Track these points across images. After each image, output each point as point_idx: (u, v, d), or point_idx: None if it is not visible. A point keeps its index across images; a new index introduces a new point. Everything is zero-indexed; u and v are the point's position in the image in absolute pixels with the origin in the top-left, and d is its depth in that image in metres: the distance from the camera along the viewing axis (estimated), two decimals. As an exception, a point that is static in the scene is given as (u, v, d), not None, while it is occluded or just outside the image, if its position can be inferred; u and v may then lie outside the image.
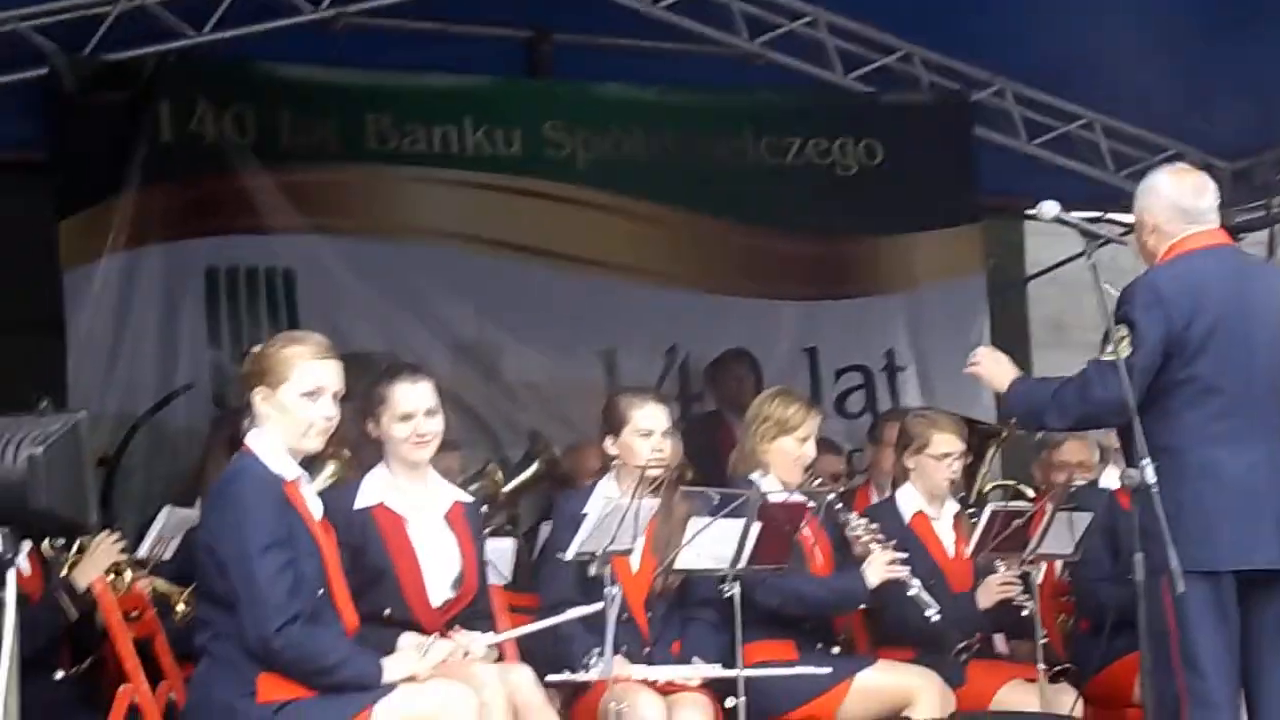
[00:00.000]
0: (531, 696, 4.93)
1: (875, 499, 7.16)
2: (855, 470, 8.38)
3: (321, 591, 4.63)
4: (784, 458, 5.94)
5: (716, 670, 5.42)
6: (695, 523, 5.34)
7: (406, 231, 8.40)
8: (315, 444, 4.73)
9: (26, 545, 3.99)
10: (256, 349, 4.84)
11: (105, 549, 5.37)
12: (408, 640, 4.94)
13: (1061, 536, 5.89)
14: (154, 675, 5.13)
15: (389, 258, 8.31)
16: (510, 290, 8.42)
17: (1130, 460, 4.83)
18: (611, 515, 5.13)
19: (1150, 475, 4.63)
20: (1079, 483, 6.69)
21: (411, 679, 4.62)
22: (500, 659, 5.16)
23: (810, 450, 5.99)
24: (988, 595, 6.06)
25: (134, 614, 5.29)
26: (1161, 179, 5.07)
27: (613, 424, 5.72)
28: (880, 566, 5.86)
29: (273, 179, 8.10)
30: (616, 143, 8.74)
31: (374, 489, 5.21)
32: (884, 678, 5.74)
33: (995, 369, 5.23)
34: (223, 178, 8.03)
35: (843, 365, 9.04)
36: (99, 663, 5.52)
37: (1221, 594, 4.77)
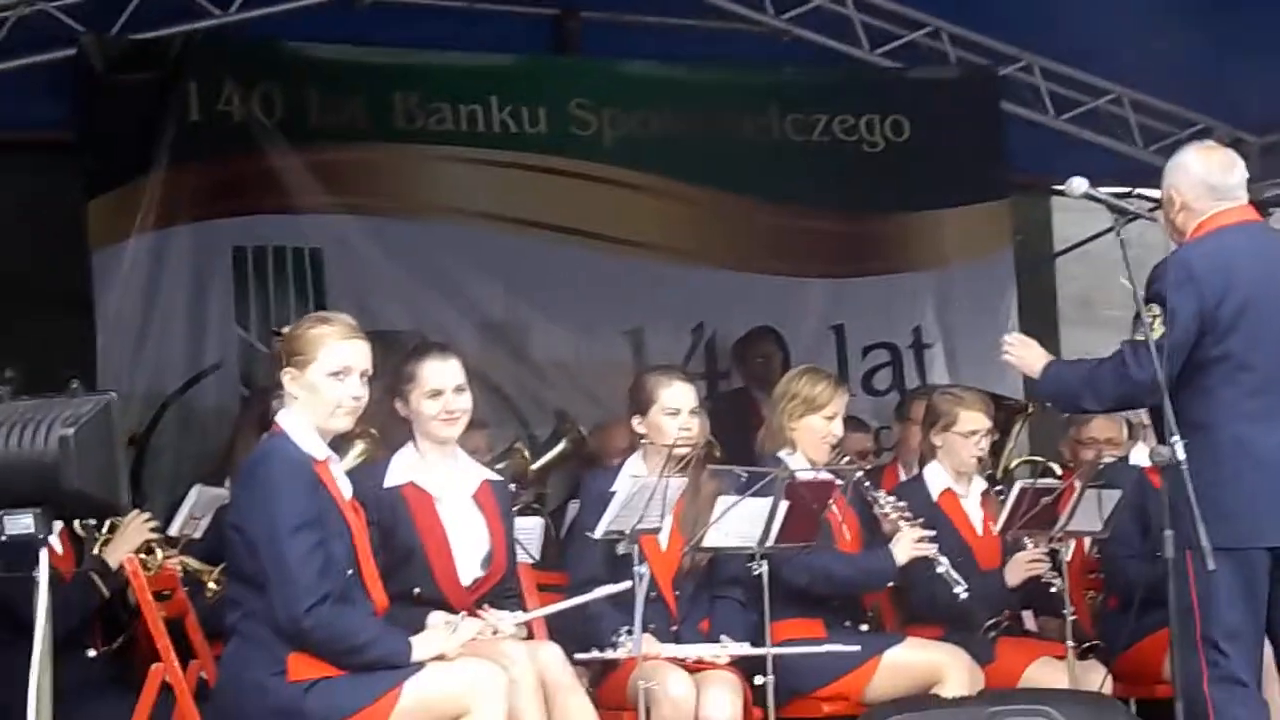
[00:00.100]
0: (560, 675, 4.95)
1: (903, 477, 7.15)
2: (883, 448, 8.38)
3: (351, 571, 4.64)
4: (811, 435, 5.94)
5: (745, 648, 5.43)
6: (723, 501, 5.35)
7: (434, 210, 8.42)
8: (344, 423, 4.74)
9: (58, 525, 4.01)
10: (285, 330, 4.85)
11: (136, 528, 5.41)
12: (436, 619, 4.96)
13: (1090, 513, 5.89)
14: (185, 654, 5.15)
15: (416, 237, 8.33)
16: (537, 269, 8.43)
17: (1161, 437, 4.84)
18: (639, 494, 5.14)
19: (1180, 452, 4.62)
20: (1108, 459, 6.68)
21: (441, 657, 4.64)
22: (529, 637, 5.18)
23: (838, 428, 5.98)
24: (1016, 572, 6.06)
25: (165, 593, 5.32)
26: (1190, 156, 5.05)
27: (640, 403, 5.72)
28: (908, 544, 5.86)
29: (300, 158, 8.12)
30: (643, 121, 8.74)
31: (403, 468, 5.22)
32: (913, 655, 5.74)
33: (1027, 355, 5.23)
34: (250, 157, 8.05)
35: (870, 342, 9.03)
36: (131, 641, 5.55)
37: (1250, 571, 4.76)
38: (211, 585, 5.50)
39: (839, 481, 5.83)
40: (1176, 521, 4.66)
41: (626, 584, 5.10)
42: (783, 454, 5.92)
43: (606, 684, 5.48)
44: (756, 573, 5.34)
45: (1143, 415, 5.49)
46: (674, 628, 5.58)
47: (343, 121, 8.26)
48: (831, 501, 5.79)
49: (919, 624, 6.04)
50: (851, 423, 6.52)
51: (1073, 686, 5.69)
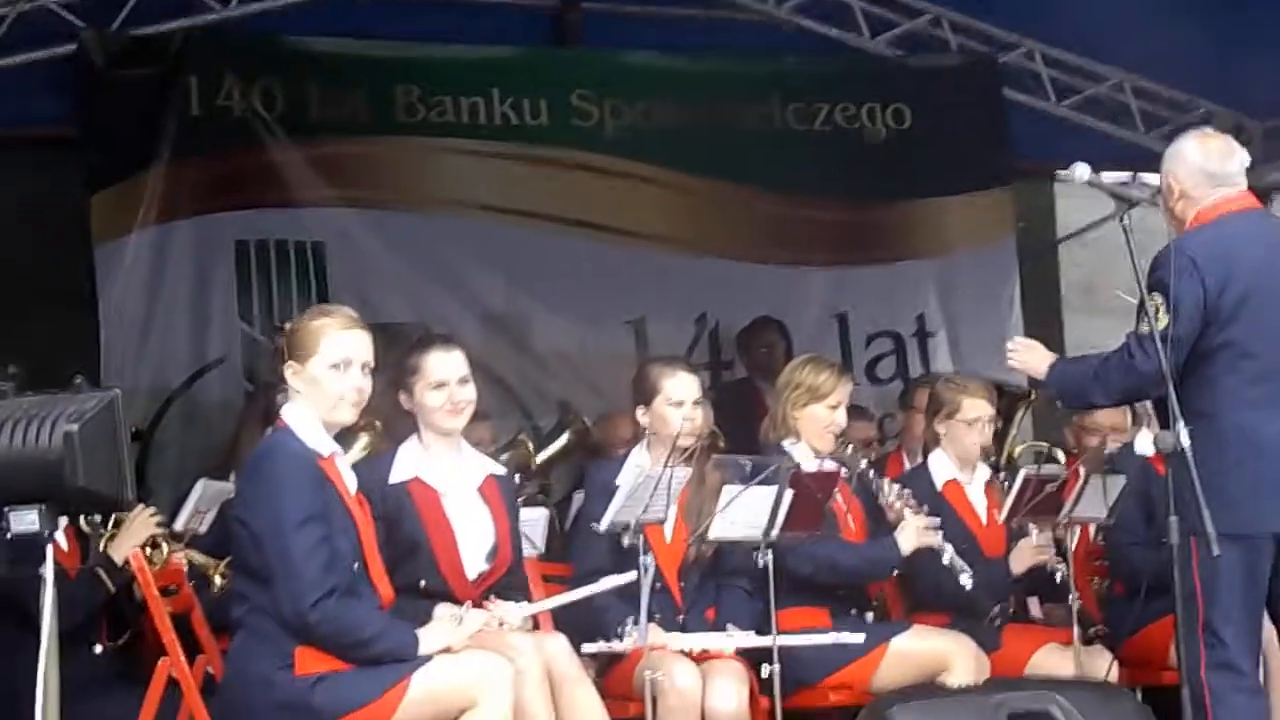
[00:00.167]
0: (567, 666, 4.95)
1: (907, 465, 7.16)
2: (886, 436, 8.38)
3: (357, 565, 4.65)
4: (815, 425, 5.94)
5: (751, 638, 5.43)
6: (728, 491, 5.35)
7: (435, 203, 8.42)
8: (347, 415, 4.74)
9: (64, 522, 4.01)
10: (288, 325, 4.85)
11: (141, 523, 5.40)
12: (442, 611, 4.96)
13: (1095, 500, 5.89)
14: (191, 648, 5.16)
15: (418, 229, 8.33)
16: (539, 260, 8.43)
17: (1164, 426, 4.84)
18: (644, 485, 5.14)
19: (1185, 439, 4.62)
20: (1112, 446, 6.67)
21: (447, 650, 4.64)
22: (535, 629, 5.18)
23: (841, 417, 5.99)
24: (1021, 560, 6.06)
25: (171, 588, 5.32)
26: (1188, 144, 5.04)
27: (644, 394, 5.73)
28: (913, 533, 5.86)
29: (301, 152, 8.12)
30: (645, 111, 8.74)
31: (408, 462, 5.22)
32: (919, 643, 5.75)
33: (1031, 357, 5.26)
34: (251, 151, 8.06)
35: (873, 331, 9.04)
36: (137, 637, 5.55)
37: (1253, 557, 4.76)
38: (217, 579, 5.51)
39: (843, 471, 5.83)
40: (1181, 508, 4.66)
41: (632, 575, 5.10)
42: (787, 444, 5.92)
43: (613, 675, 5.49)
44: (762, 563, 5.34)
45: (1148, 402, 5.49)
46: (680, 618, 5.58)
47: (344, 115, 8.26)
48: (836, 491, 5.79)
49: (924, 612, 6.04)
50: (855, 412, 6.52)
51: (1078, 673, 5.70)
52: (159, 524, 5.47)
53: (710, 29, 8.75)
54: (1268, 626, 5.02)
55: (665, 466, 5.20)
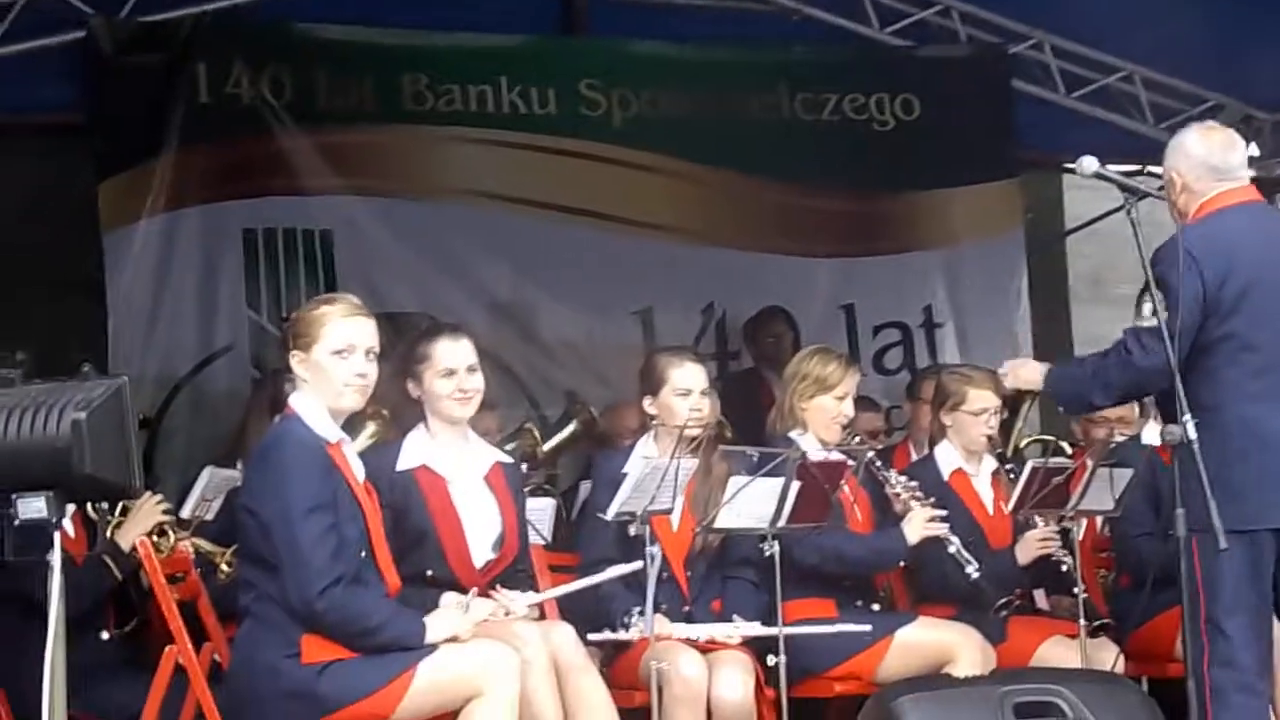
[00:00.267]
0: (573, 655, 4.96)
1: (914, 456, 7.15)
2: (894, 427, 8.38)
3: (364, 553, 4.65)
4: (822, 416, 5.94)
5: (757, 628, 5.44)
6: (734, 482, 5.35)
7: (443, 192, 8.42)
8: (353, 402, 4.75)
9: (71, 509, 4.02)
10: (293, 315, 4.86)
11: (148, 510, 5.42)
12: (449, 600, 4.97)
13: (1102, 492, 5.88)
14: (198, 636, 5.17)
15: (425, 218, 8.33)
16: (546, 250, 8.42)
17: (1167, 419, 4.84)
18: (651, 475, 5.14)
19: (1191, 431, 4.61)
20: (1119, 438, 6.67)
21: (454, 639, 4.64)
22: (541, 618, 5.19)
23: (849, 408, 5.99)
24: (1026, 551, 6.06)
25: (178, 575, 5.33)
26: (1190, 137, 5.03)
27: (651, 384, 5.73)
28: (920, 524, 5.86)
29: (309, 140, 8.12)
30: (652, 101, 8.72)
31: (415, 451, 5.22)
32: (925, 634, 5.75)
33: (1025, 371, 5.28)
34: (259, 139, 8.05)
35: (880, 322, 9.03)
36: (144, 623, 5.56)
37: (1256, 552, 4.74)
38: (224, 567, 5.51)
39: (850, 461, 5.82)
40: (1188, 500, 4.66)
41: (638, 564, 5.11)
42: (794, 434, 5.92)
43: (619, 664, 5.49)
44: (768, 553, 5.35)
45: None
46: (686, 608, 5.59)
47: (351, 103, 8.26)
48: (843, 481, 5.79)
49: (930, 603, 6.04)
50: (862, 402, 6.52)
51: (1085, 665, 5.69)
52: (165, 511, 5.48)
53: (718, 18, 8.74)
54: (1276, 626, 5.01)
55: (672, 456, 5.20)
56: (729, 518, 5.37)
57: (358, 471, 4.75)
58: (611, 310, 8.56)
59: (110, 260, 7.74)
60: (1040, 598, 6.38)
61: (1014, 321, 9.05)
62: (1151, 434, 6.12)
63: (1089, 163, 4.87)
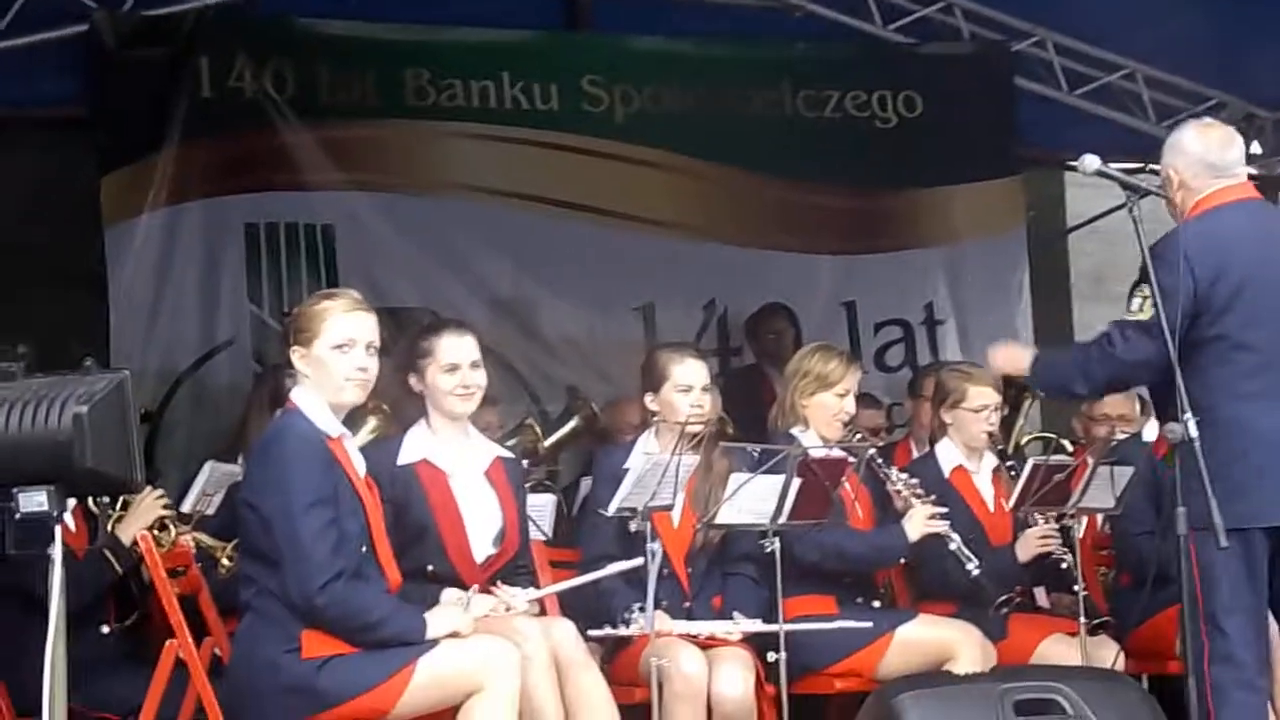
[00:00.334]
0: (573, 651, 4.96)
1: (915, 453, 7.16)
2: (895, 424, 8.38)
3: (365, 548, 4.65)
4: (824, 412, 5.94)
5: (757, 625, 5.44)
6: (735, 478, 5.35)
7: (445, 187, 8.42)
8: (353, 396, 4.75)
9: (72, 503, 4.02)
10: (295, 310, 4.87)
11: (149, 504, 5.42)
12: (450, 596, 4.97)
13: (1103, 490, 5.88)
14: (198, 630, 5.17)
15: (427, 213, 8.33)
16: (548, 245, 8.42)
17: (1163, 417, 4.84)
18: (652, 471, 5.15)
19: (1193, 429, 4.61)
20: (1120, 436, 6.67)
21: (454, 634, 4.64)
22: (541, 614, 5.19)
23: (850, 405, 5.99)
24: (1026, 549, 6.07)
25: (179, 570, 5.33)
26: (1187, 134, 5.02)
27: (652, 380, 5.73)
28: (920, 521, 5.87)
29: (311, 135, 8.11)
30: (654, 97, 8.72)
31: (416, 445, 5.23)
32: (925, 632, 5.75)
33: (1012, 359, 5.26)
34: (262, 134, 8.05)
35: (882, 319, 9.03)
36: (144, 617, 5.57)
37: (1249, 551, 4.73)
38: (225, 562, 5.52)
39: (851, 459, 5.82)
40: (1187, 498, 4.65)
41: (639, 561, 5.11)
42: (795, 431, 5.92)
43: (619, 660, 5.49)
44: (769, 550, 5.35)
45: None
46: (686, 604, 5.59)
47: (354, 98, 8.26)
48: (844, 479, 5.79)
49: (931, 601, 6.04)
50: (864, 399, 6.52)
51: (1085, 663, 5.70)
52: (166, 506, 5.48)
53: (721, 14, 8.74)
54: (1274, 624, 5.01)
55: (673, 453, 5.20)
56: (730, 514, 5.37)
57: (359, 466, 4.75)
58: (613, 306, 8.56)
59: (112, 254, 7.74)
60: (1041, 595, 6.39)
61: (1015, 319, 9.05)
62: (1152, 432, 6.13)
63: (1091, 161, 4.87)
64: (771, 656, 5.33)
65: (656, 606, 5.16)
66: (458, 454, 5.25)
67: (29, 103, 7.80)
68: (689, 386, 5.67)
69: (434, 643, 4.60)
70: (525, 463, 6.20)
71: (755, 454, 5.49)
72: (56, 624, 3.92)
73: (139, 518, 5.36)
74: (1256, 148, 9.45)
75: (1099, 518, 6.44)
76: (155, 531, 5.35)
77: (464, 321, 5.57)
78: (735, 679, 5.35)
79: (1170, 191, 5.00)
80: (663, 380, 5.70)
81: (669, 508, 5.28)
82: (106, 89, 7.82)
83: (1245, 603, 4.77)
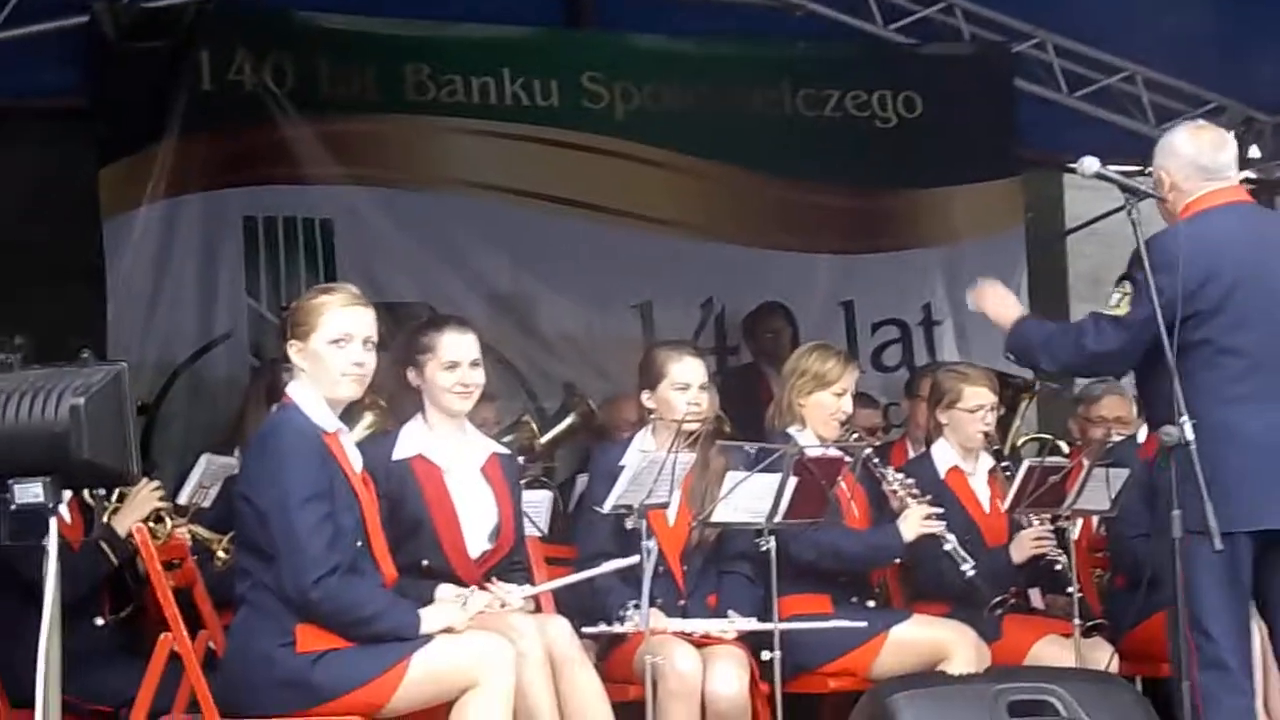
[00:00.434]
0: (568, 648, 4.96)
1: (912, 453, 7.16)
2: (892, 424, 8.38)
3: (360, 543, 4.65)
4: (821, 412, 5.95)
5: (752, 623, 5.44)
6: (732, 476, 5.35)
7: (444, 182, 8.41)
8: (351, 391, 4.75)
9: (68, 494, 4.02)
10: (292, 304, 4.87)
11: (145, 496, 5.41)
12: (445, 592, 4.97)
13: (1099, 492, 5.88)
14: (193, 623, 5.16)
15: (426, 208, 8.33)
16: (547, 242, 8.43)
17: (1150, 419, 4.84)
18: (648, 469, 5.14)
19: (1189, 432, 4.60)
20: (1116, 438, 6.67)
21: (449, 630, 4.65)
22: (536, 611, 5.19)
23: (847, 404, 5.99)
24: (1021, 550, 6.06)
25: (175, 562, 5.33)
26: (1179, 137, 5.02)
27: (650, 377, 5.73)
28: (916, 521, 5.87)
29: (311, 129, 8.11)
30: (655, 95, 8.72)
31: (411, 440, 5.22)
32: (919, 632, 5.75)
33: (1000, 306, 5.24)
34: (261, 127, 8.05)
35: (879, 319, 9.03)
36: (139, 610, 5.56)
37: (1234, 555, 4.71)
38: (221, 554, 5.51)
39: (848, 458, 5.83)
40: (1184, 501, 4.65)
41: (634, 558, 5.10)
42: (792, 430, 5.92)
43: (613, 658, 5.49)
44: (764, 548, 5.34)
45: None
46: (681, 602, 5.59)
47: (353, 92, 8.26)
48: (840, 478, 5.79)
49: (926, 601, 6.05)
50: (861, 399, 6.52)
51: (1079, 665, 5.70)
52: (162, 498, 5.48)
53: (722, 13, 8.74)
54: (1261, 628, 5.01)
55: (670, 451, 5.20)
56: (726, 512, 5.37)
57: (354, 461, 4.75)
58: (611, 303, 8.56)
59: (110, 246, 7.73)
60: (1035, 597, 6.38)
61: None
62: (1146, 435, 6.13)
63: (1090, 163, 4.87)
64: (766, 655, 5.32)
65: (651, 604, 5.15)
66: (454, 450, 5.25)
67: (29, 93, 7.80)
68: (686, 384, 5.67)
69: (429, 638, 4.60)
70: (522, 459, 6.20)
71: (752, 452, 5.49)
72: (51, 616, 3.91)
73: (135, 509, 5.35)
74: (1256, 151, 9.46)
75: (1094, 520, 6.44)
76: (151, 523, 5.34)
77: (466, 319, 5.57)
78: (729, 677, 5.35)
79: (1162, 193, 5.00)
80: (660, 378, 5.70)
81: (665, 505, 5.27)
82: (106, 81, 7.81)
83: (1230, 608, 4.77)
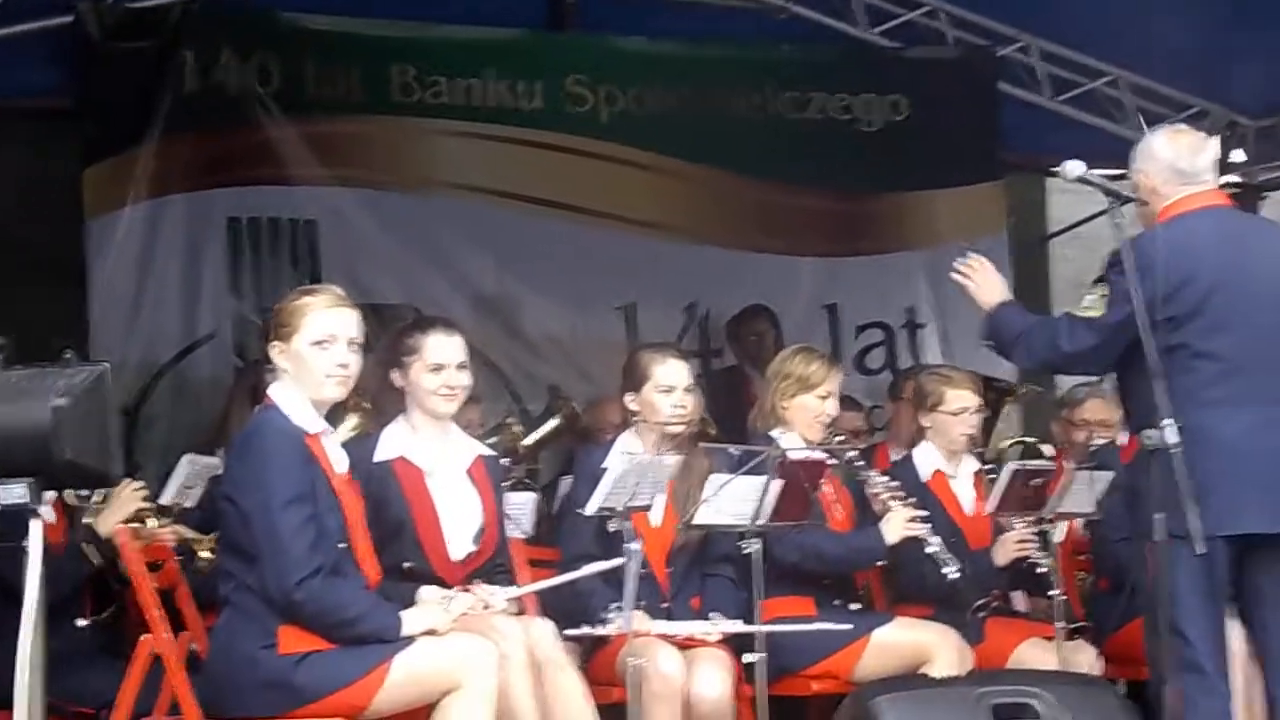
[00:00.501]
0: (551, 650, 4.95)
1: (895, 456, 7.16)
2: (875, 427, 8.39)
3: (343, 545, 4.65)
4: (805, 415, 5.95)
5: (736, 626, 5.44)
6: (715, 479, 5.35)
7: (428, 184, 8.41)
8: (335, 393, 4.74)
9: (50, 495, 4.01)
10: (276, 305, 4.86)
11: (128, 496, 5.39)
12: (428, 594, 4.97)
13: (1082, 495, 5.90)
14: (176, 624, 5.15)
15: (411, 210, 8.32)
16: (531, 244, 8.42)
17: (1130, 421, 4.89)
18: (632, 471, 5.13)
19: (1172, 436, 4.60)
20: (1100, 441, 6.68)
21: (432, 632, 4.64)
22: (520, 613, 5.18)
23: (831, 407, 5.99)
24: (1004, 553, 6.07)
25: (157, 563, 5.31)
26: (1158, 140, 5.03)
27: (634, 380, 5.73)
28: (899, 524, 5.87)
29: (295, 130, 8.10)
30: (639, 97, 8.73)
31: (394, 442, 5.22)
32: (902, 634, 5.76)
33: (985, 286, 5.24)
34: (246, 128, 8.04)
35: (863, 322, 9.05)
36: (121, 611, 5.55)
37: (1210, 560, 4.71)
38: (204, 554, 5.50)
39: (831, 461, 5.83)
40: (1169, 505, 4.65)
41: (618, 561, 5.10)
42: (776, 433, 5.92)
43: (597, 660, 5.49)
44: (748, 551, 5.35)
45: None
46: (665, 605, 5.59)
47: (339, 93, 8.25)
48: (824, 480, 5.79)
49: (909, 603, 6.05)
50: (844, 402, 6.52)
51: (1062, 667, 5.71)
52: (145, 499, 5.47)
53: (706, 16, 8.74)
54: (1238, 629, 5.02)
55: (654, 453, 5.20)
56: (709, 515, 5.37)
57: (338, 463, 4.74)
58: (595, 305, 8.56)
59: (93, 246, 7.72)
60: (1018, 599, 6.40)
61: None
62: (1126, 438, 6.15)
63: (1074, 167, 4.88)
64: (749, 657, 5.32)
65: (635, 607, 5.14)
66: (437, 452, 5.24)
67: (13, 93, 7.78)
68: (670, 387, 5.68)
69: (411, 640, 4.59)
70: (506, 461, 6.19)
71: (736, 455, 5.49)
72: (33, 616, 3.90)
73: (118, 510, 5.34)
74: (1239, 155, 9.49)
75: (1078, 523, 6.44)
76: (134, 524, 5.33)
77: (453, 321, 5.56)
78: (713, 680, 5.36)
79: (1140, 197, 5.01)
80: (644, 380, 5.70)
81: (649, 508, 5.27)
82: (91, 81, 7.80)
83: (1206, 611, 4.77)
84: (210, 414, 7.03)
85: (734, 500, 5.34)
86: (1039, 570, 5.99)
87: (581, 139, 8.63)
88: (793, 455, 5.58)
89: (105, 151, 7.78)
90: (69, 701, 5.13)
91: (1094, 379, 6.70)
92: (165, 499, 5.73)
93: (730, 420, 6.55)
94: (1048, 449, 7.56)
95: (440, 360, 5.18)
